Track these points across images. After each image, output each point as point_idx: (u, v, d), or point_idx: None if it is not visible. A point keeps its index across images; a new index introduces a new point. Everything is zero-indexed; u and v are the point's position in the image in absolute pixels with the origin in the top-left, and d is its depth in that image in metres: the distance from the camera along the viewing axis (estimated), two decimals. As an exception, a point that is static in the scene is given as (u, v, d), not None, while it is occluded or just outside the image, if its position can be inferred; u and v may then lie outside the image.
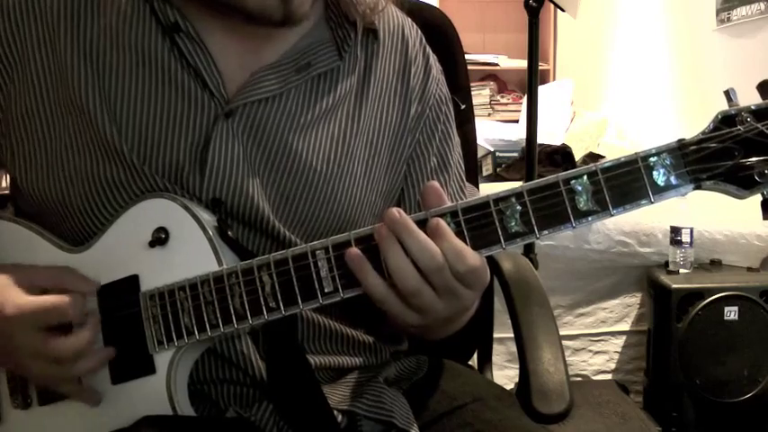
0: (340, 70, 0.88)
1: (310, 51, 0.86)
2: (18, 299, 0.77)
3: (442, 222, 0.70)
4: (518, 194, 0.70)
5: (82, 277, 0.81)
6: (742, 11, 2.50)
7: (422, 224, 0.71)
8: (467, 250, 0.70)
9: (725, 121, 0.68)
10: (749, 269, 2.12)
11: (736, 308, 1.96)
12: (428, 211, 0.72)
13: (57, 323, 0.77)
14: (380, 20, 0.92)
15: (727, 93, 0.69)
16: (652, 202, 0.68)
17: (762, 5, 2.38)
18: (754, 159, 0.67)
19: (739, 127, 0.67)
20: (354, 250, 0.71)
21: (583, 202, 0.69)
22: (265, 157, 0.83)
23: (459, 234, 0.70)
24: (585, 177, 0.69)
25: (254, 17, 0.80)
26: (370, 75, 0.90)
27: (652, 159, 0.68)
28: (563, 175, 0.69)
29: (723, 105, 0.69)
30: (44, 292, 0.78)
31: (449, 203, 0.72)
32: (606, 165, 0.69)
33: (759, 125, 0.66)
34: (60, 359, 0.77)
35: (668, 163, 0.68)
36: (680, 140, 0.68)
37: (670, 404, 2.01)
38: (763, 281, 2.01)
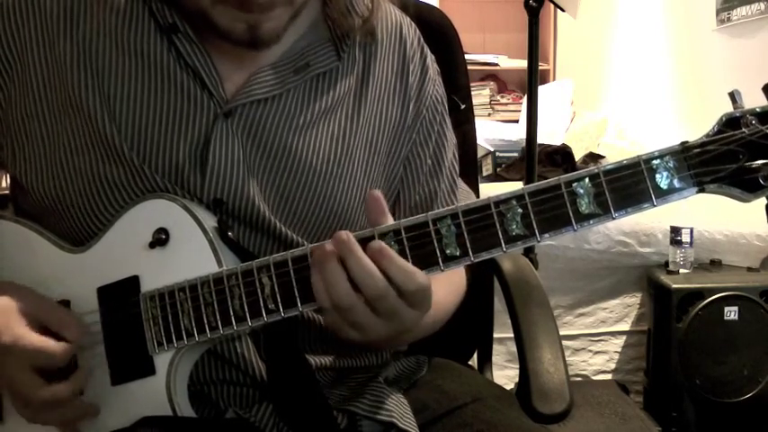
0: (338, 70, 0.88)
1: (309, 52, 0.86)
2: (17, 330, 0.76)
3: (384, 245, 0.70)
4: (519, 197, 0.69)
5: (82, 328, 0.80)
6: (742, 11, 2.50)
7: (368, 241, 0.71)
8: (416, 270, 0.70)
9: (729, 123, 0.67)
10: (749, 269, 2.12)
11: (736, 308, 1.97)
12: (374, 229, 0.72)
13: (44, 366, 0.77)
14: (378, 19, 0.92)
15: (731, 95, 0.68)
16: (654, 206, 0.67)
17: (762, 5, 2.38)
18: (758, 162, 0.66)
19: (744, 130, 0.66)
20: (319, 251, 0.71)
21: (584, 205, 0.68)
22: (264, 157, 0.83)
23: (460, 236, 0.70)
24: (587, 180, 0.68)
25: (223, 36, 0.79)
26: (368, 75, 0.90)
27: (655, 162, 0.67)
28: (564, 177, 0.68)
29: (723, 105, 0.68)
30: (45, 329, 0.78)
31: (389, 216, 0.73)
32: (608, 167, 0.68)
33: (764, 128, 0.66)
34: (34, 403, 0.77)
35: (671, 166, 0.67)
36: (683, 143, 0.68)
37: (670, 404, 2.01)
38: (763, 281, 2.01)
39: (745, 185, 0.67)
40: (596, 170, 0.68)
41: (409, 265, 0.70)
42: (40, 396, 0.77)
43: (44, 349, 0.76)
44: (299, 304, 0.73)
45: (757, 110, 0.67)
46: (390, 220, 0.73)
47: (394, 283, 0.70)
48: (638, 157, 0.68)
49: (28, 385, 0.77)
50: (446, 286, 0.91)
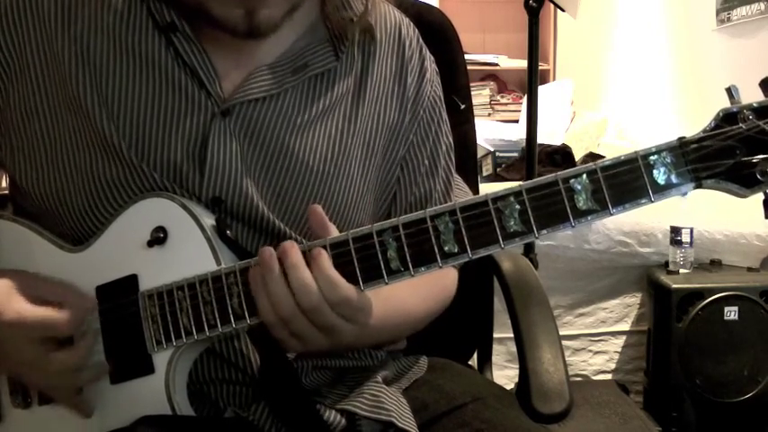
0: (337, 71, 0.88)
1: (307, 52, 0.86)
2: (18, 306, 0.77)
3: (322, 253, 0.71)
4: (517, 193, 0.69)
5: (83, 295, 0.80)
6: (742, 11, 2.50)
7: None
8: (340, 282, 0.71)
9: (726, 118, 0.67)
10: (749, 269, 2.12)
11: (736, 308, 1.96)
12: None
13: (52, 336, 0.78)
14: (378, 20, 0.92)
15: (728, 90, 0.67)
16: (652, 201, 0.67)
17: (762, 5, 2.38)
18: (756, 158, 0.66)
19: (741, 125, 0.66)
20: (254, 271, 0.72)
21: (582, 201, 0.68)
22: (262, 157, 0.83)
23: (458, 233, 0.70)
24: (585, 176, 0.68)
25: (219, 26, 0.79)
26: (366, 75, 0.90)
27: (652, 158, 0.67)
28: (562, 173, 0.68)
29: (722, 105, 0.68)
30: (45, 302, 0.78)
31: (332, 228, 0.74)
32: (606, 163, 0.68)
33: (761, 123, 0.65)
34: (52, 371, 0.78)
35: (669, 161, 0.67)
36: (680, 138, 0.68)
37: (670, 404, 2.01)
38: (763, 281, 2.01)
39: (742, 181, 0.67)
40: (593, 166, 0.68)
41: (335, 277, 0.71)
42: (53, 363, 0.77)
43: (49, 319, 0.77)
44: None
45: (754, 105, 0.67)
46: (335, 232, 0.74)
47: (322, 293, 0.71)
48: (635, 152, 0.68)
49: (40, 356, 0.77)
50: (422, 292, 0.91)
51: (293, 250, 0.72)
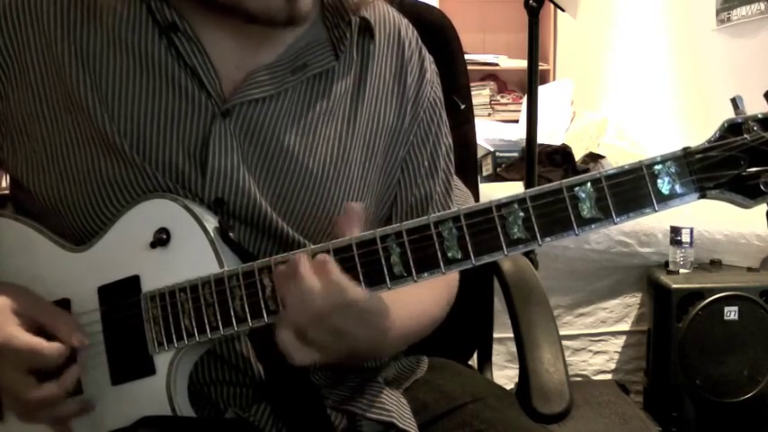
0: (335, 71, 0.88)
1: (307, 52, 0.86)
2: (10, 330, 0.77)
3: (328, 259, 0.71)
4: (521, 200, 0.69)
5: (77, 328, 0.79)
6: (742, 11, 2.50)
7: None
8: (349, 284, 0.71)
9: (731, 129, 0.67)
10: (749, 269, 2.12)
11: (736, 308, 1.97)
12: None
13: (37, 368, 0.77)
14: (377, 20, 0.92)
15: (733, 100, 0.67)
16: (656, 211, 0.67)
17: (762, 5, 2.38)
18: (760, 169, 0.66)
19: (745, 136, 0.66)
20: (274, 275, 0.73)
21: (586, 210, 0.68)
22: (262, 157, 0.83)
23: (461, 239, 0.70)
24: (589, 184, 0.68)
25: (256, 19, 0.80)
26: (366, 76, 0.90)
27: (657, 167, 0.67)
28: (566, 181, 0.68)
29: (723, 105, 0.68)
30: (38, 327, 0.78)
31: (356, 229, 0.73)
32: (610, 172, 0.68)
33: (765, 134, 0.65)
34: (27, 403, 0.78)
35: (673, 171, 0.67)
36: (685, 149, 0.67)
37: (670, 404, 2.01)
38: (763, 281, 2.01)
39: (746, 191, 0.67)
40: (598, 175, 0.68)
41: (344, 280, 0.70)
42: (31, 396, 0.77)
43: (36, 349, 0.76)
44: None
45: (759, 116, 0.66)
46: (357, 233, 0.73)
47: (331, 298, 0.70)
48: (639, 162, 0.68)
49: (20, 385, 0.77)
50: (436, 293, 0.92)
51: (295, 261, 0.71)
